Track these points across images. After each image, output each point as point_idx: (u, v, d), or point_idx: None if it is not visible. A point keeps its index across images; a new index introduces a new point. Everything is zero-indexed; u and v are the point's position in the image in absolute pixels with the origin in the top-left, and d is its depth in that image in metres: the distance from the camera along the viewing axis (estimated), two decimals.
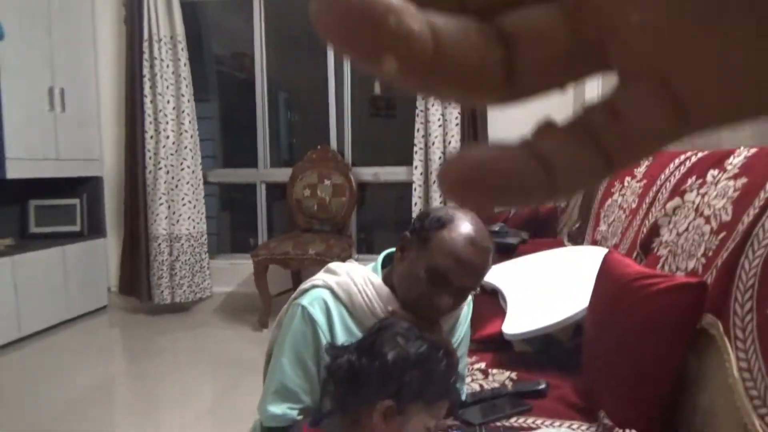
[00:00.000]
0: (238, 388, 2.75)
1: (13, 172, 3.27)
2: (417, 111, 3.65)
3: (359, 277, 1.17)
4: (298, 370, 1.10)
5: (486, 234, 1.13)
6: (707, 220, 1.23)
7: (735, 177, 1.22)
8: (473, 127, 3.58)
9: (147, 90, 3.76)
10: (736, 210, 1.14)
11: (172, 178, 3.85)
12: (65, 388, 2.77)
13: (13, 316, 3.25)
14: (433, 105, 3.55)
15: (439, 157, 3.59)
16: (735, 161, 1.27)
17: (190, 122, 3.84)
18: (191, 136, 3.86)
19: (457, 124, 3.56)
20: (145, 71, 3.74)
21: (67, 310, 3.68)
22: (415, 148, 3.66)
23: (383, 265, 1.23)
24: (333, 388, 1.01)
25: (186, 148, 3.85)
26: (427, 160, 3.65)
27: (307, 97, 5.26)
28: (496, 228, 2.47)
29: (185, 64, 3.79)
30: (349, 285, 1.15)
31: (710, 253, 1.17)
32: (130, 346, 3.62)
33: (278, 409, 1.08)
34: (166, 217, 3.86)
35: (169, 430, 1.87)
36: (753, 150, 1.25)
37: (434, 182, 3.59)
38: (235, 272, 4.13)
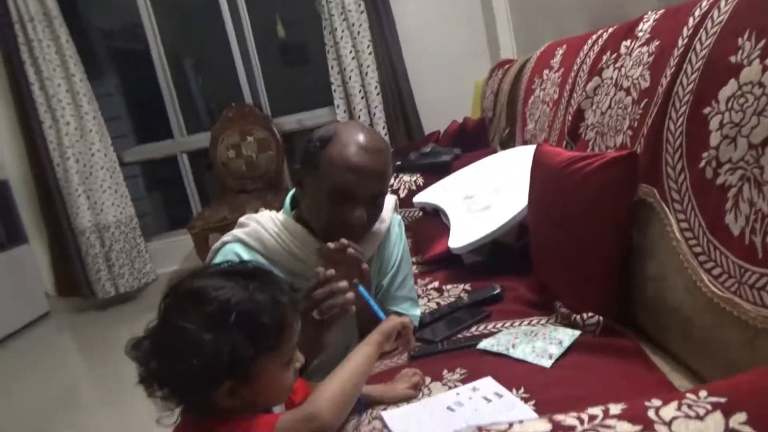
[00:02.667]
0: None
1: None
2: (327, 48, 3.50)
3: (268, 221, 1.13)
4: None
5: (377, 136, 1.10)
6: (627, 91, 1.21)
7: (647, 42, 1.19)
8: (387, 51, 3.46)
9: (32, 76, 3.44)
10: (654, 74, 1.12)
11: (84, 166, 3.60)
12: (29, 398, 2.65)
13: None
14: (342, 38, 3.41)
15: (359, 91, 3.48)
16: (645, 27, 1.24)
17: (88, 102, 3.56)
18: (93, 117, 3.59)
19: (370, 53, 3.44)
20: (24, 56, 3.41)
21: (8, 324, 3.47)
22: (333, 86, 3.54)
23: (293, 206, 1.18)
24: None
25: (91, 131, 3.58)
26: (347, 96, 3.54)
27: (214, 59, 4.99)
28: (428, 149, 2.42)
29: (68, 41, 3.47)
30: (260, 232, 1.11)
31: (635, 124, 1.15)
32: (84, 346, 3.48)
33: None
34: (88, 208, 3.63)
35: (141, 417, 1.82)
36: (660, 12, 1.22)
37: (359, 117, 3.49)
38: (176, 249, 3.98)
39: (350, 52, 3.44)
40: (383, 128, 3.50)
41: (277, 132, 3.68)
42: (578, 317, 1.13)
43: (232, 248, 1.10)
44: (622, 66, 1.28)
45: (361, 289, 1.02)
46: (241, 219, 1.17)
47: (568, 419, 0.48)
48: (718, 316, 0.86)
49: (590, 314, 1.12)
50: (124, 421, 2.18)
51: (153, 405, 0.77)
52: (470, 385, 1.01)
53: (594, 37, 1.54)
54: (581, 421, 0.47)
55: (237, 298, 0.74)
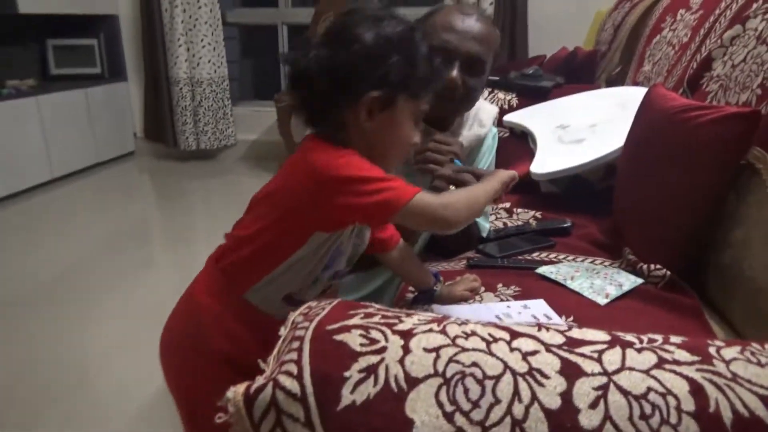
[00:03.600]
0: None
1: (25, 7, 3.13)
2: None
3: None
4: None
5: (483, 14, 1.14)
6: None
7: None
8: None
9: None
10: None
11: (189, 17, 3.67)
12: (102, 227, 2.90)
13: (43, 158, 3.31)
14: None
15: None
16: None
17: None
18: None
19: None
20: None
21: (95, 155, 3.74)
22: None
23: None
24: (305, 94, 0.83)
25: None
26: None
27: None
28: (530, 71, 2.32)
29: None
30: None
31: None
32: (160, 189, 3.72)
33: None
34: (186, 60, 3.74)
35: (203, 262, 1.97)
36: None
37: None
38: (259, 119, 4.08)
39: None
40: None
41: None
42: (645, 266, 1.12)
43: None
44: None
45: (457, 161, 1.10)
46: None
47: (628, 336, 0.50)
48: None
49: (658, 266, 1.10)
50: (187, 260, 2.37)
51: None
52: (522, 302, 1.03)
53: None
54: (640, 341, 0.49)
55: (411, 35, 0.83)
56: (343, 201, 0.76)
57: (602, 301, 1.04)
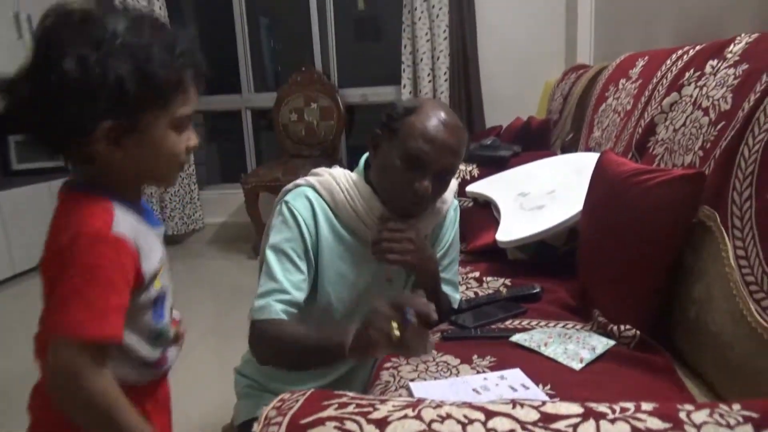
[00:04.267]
0: (234, 311, 2.77)
1: None
2: (404, 26, 3.50)
3: (341, 177, 1.17)
4: (283, 263, 1.08)
5: (454, 115, 1.13)
6: (705, 111, 1.19)
7: (735, 65, 1.17)
8: (462, 39, 3.45)
9: None
10: (737, 97, 1.10)
11: None
12: None
13: (3, 255, 3.23)
14: (420, 19, 3.41)
15: (428, 74, 3.48)
16: (735, 49, 1.21)
17: None
18: None
19: (445, 38, 3.43)
20: None
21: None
22: (403, 66, 3.54)
23: (365, 170, 1.21)
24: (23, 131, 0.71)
25: None
26: (416, 78, 3.54)
27: (289, 23, 5.06)
28: (488, 142, 2.41)
29: None
30: (331, 183, 1.15)
31: (708, 145, 1.13)
32: None
33: (262, 301, 1.05)
34: None
35: None
36: (754, 36, 1.19)
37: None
38: (226, 202, 4.10)
39: (426, 33, 3.44)
40: None
41: (342, 102, 3.73)
42: (615, 328, 1.14)
43: (303, 191, 1.14)
44: (704, 85, 1.25)
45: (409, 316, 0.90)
46: (316, 169, 1.21)
47: (600, 407, 0.50)
48: (759, 345, 0.85)
49: (627, 327, 1.12)
50: None
51: None
52: (498, 373, 1.03)
53: (680, 52, 1.50)
54: (613, 411, 0.49)
55: (130, 33, 0.68)
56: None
57: (577, 366, 1.05)
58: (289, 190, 1.17)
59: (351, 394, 0.54)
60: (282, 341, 1.01)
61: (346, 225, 1.14)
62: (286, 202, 1.12)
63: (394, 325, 0.82)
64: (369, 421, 0.48)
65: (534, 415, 0.49)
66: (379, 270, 1.18)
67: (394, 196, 1.12)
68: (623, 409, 0.50)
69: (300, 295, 1.08)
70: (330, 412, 0.49)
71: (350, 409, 0.50)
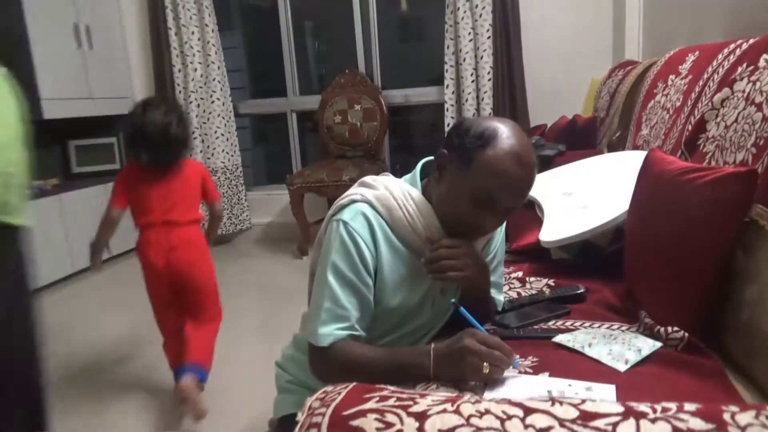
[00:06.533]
0: (281, 310, 2.84)
1: (49, 113, 3.32)
2: (446, 26, 3.50)
3: (398, 190, 1.11)
4: (345, 288, 1.06)
5: (530, 146, 1.06)
6: (759, 107, 1.15)
7: None
8: (506, 38, 3.42)
9: (170, 22, 3.71)
10: None
11: (203, 111, 3.86)
12: (119, 323, 2.91)
13: (64, 253, 3.39)
14: (462, 18, 3.40)
15: (471, 74, 3.47)
16: None
17: (216, 53, 3.80)
18: (218, 68, 3.83)
19: (488, 37, 3.41)
20: (167, 2, 3.67)
21: (115, 246, 3.81)
22: (446, 66, 3.54)
23: (421, 176, 1.17)
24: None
25: (214, 80, 3.82)
26: (458, 78, 3.53)
27: (333, 26, 5.13)
28: (533, 141, 2.39)
29: None
30: (389, 199, 1.10)
31: (761, 142, 1.10)
32: None
33: (327, 329, 1.04)
34: (201, 151, 3.89)
35: (218, 348, 1.98)
36: None
37: (466, 101, 3.49)
38: (272, 203, 4.19)
39: (469, 33, 3.42)
40: (489, 114, 3.47)
41: (385, 104, 3.75)
42: (662, 329, 1.11)
43: (360, 208, 1.10)
44: (757, 80, 1.21)
45: (462, 309, 1.05)
46: (366, 179, 1.18)
47: (641, 406, 0.50)
48: None
49: (675, 328, 1.10)
50: None
51: None
52: (587, 384, 0.96)
53: (732, 46, 1.46)
54: (654, 410, 0.49)
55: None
56: None
57: (622, 367, 1.03)
58: (345, 206, 1.12)
59: (392, 387, 0.56)
60: (355, 364, 1.02)
61: (401, 239, 1.12)
62: (345, 224, 1.08)
63: (486, 364, 0.92)
64: (409, 414, 0.49)
65: (573, 413, 0.49)
66: (434, 282, 1.17)
67: (457, 224, 1.09)
68: (665, 409, 0.49)
69: (365, 317, 1.09)
70: (371, 404, 0.51)
71: (391, 402, 0.51)
